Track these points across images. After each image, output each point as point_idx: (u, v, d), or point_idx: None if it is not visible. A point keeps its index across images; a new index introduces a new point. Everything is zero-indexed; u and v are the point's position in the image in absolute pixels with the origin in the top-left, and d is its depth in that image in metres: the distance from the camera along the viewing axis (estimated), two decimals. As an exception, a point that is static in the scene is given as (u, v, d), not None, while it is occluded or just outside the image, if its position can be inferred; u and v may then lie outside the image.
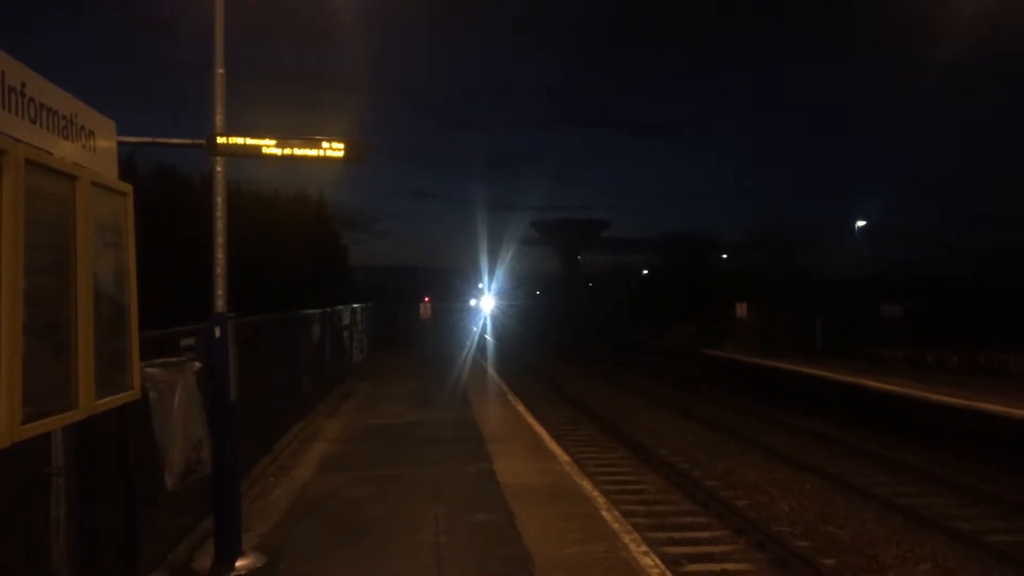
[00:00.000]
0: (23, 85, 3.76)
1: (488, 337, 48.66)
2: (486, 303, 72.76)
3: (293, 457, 11.19)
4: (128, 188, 5.01)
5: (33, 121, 3.90)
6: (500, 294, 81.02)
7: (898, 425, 17.22)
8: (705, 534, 10.15)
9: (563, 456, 11.25)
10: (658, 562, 6.77)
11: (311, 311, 15.85)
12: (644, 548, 7.11)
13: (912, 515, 10.72)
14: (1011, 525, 10.50)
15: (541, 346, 49.70)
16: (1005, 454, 13.95)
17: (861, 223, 44.86)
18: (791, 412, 20.39)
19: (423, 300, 46.50)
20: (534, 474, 10.07)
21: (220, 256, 7.26)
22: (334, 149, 6.87)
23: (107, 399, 4.56)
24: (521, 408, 16.07)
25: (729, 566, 8.95)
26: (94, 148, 4.74)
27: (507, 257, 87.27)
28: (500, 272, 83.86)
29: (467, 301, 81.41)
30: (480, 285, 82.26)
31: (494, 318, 68.51)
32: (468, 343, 37.34)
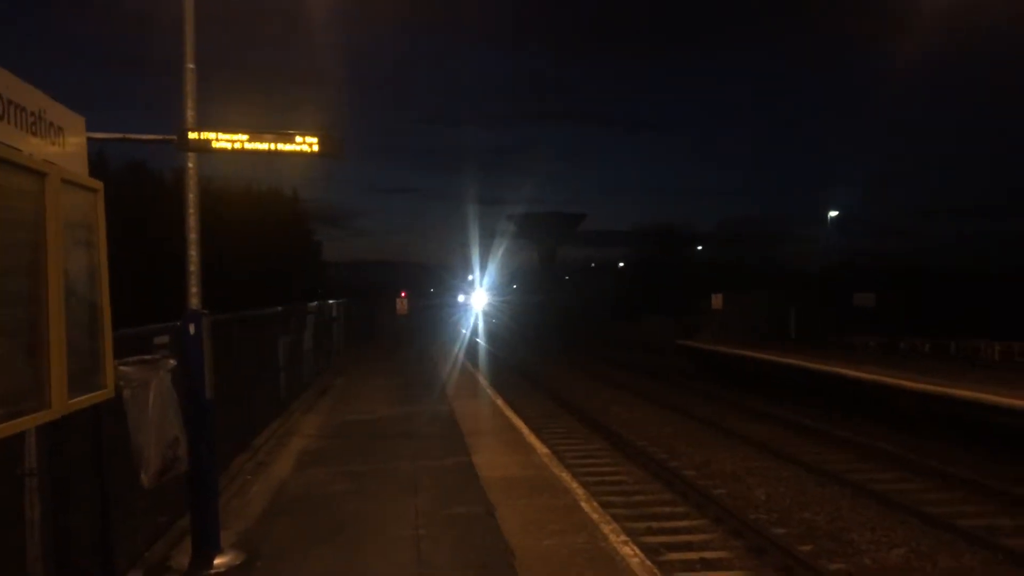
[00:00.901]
0: (-10, 81, 3.70)
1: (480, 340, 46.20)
2: (477, 299, 70.99)
3: (271, 454, 11.13)
4: (99, 185, 4.95)
5: (0, 117, 3.84)
6: (492, 289, 79.21)
7: (871, 412, 17.44)
8: (683, 523, 10.23)
9: (542, 448, 11.27)
10: (637, 551, 6.81)
11: (285, 308, 15.74)
12: (624, 538, 7.14)
13: (886, 501, 10.87)
14: (984, 509, 10.68)
15: (515, 340, 49.35)
16: (978, 439, 14.18)
17: (833, 213, 45.27)
18: (766, 401, 20.60)
19: (400, 295, 46.42)
20: (513, 467, 10.09)
21: (193, 253, 7.19)
22: (308, 143, 6.83)
23: (80, 398, 4.52)
24: (500, 402, 16.09)
25: (707, 554, 9.03)
26: (63, 144, 4.68)
27: (498, 252, 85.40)
28: (491, 267, 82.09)
29: (455, 296, 79.22)
30: (470, 278, 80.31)
31: (485, 315, 66.39)
32: (456, 344, 34.94)
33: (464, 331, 48.54)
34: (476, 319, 59.96)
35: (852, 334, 28.45)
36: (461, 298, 77.39)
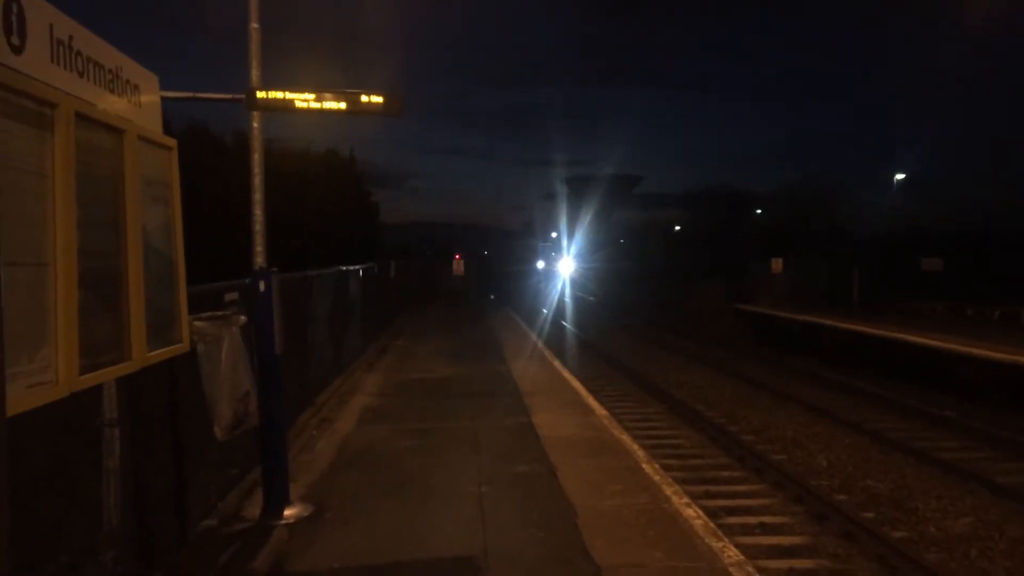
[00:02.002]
0: (70, 38, 3.75)
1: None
2: (564, 265, 64.28)
3: (334, 410, 11.33)
4: (172, 142, 5.03)
5: (80, 75, 3.89)
6: (579, 255, 71.32)
7: (937, 379, 17.04)
8: (743, 487, 10.17)
9: (600, 410, 11.28)
10: (700, 513, 6.79)
11: (345, 268, 15.92)
12: (686, 500, 7.13)
13: (953, 469, 10.65)
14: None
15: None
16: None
17: (900, 176, 43.99)
18: (825, 367, 20.26)
19: (455, 257, 46.61)
20: (572, 427, 10.12)
21: (259, 213, 7.27)
22: (372, 102, 6.83)
23: (158, 351, 4.63)
24: (557, 364, 16.11)
25: (767, 519, 8.97)
26: (139, 102, 4.74)
27: (587, 217, 77.91)
28: (577, 233, 74.30)
29: (534, 262, 70.78)
30: (543, 243, 74.01)
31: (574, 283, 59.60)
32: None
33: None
34: (563, 288, 53.72)
35: (918, 300, 27.73)
36: (541, 264, 70.07)
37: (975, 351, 16.30)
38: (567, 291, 52.42)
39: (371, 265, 20.90)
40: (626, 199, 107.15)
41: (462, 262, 45.17)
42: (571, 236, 73.10)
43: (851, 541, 8.23)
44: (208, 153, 26.11)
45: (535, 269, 67.25)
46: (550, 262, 69.22)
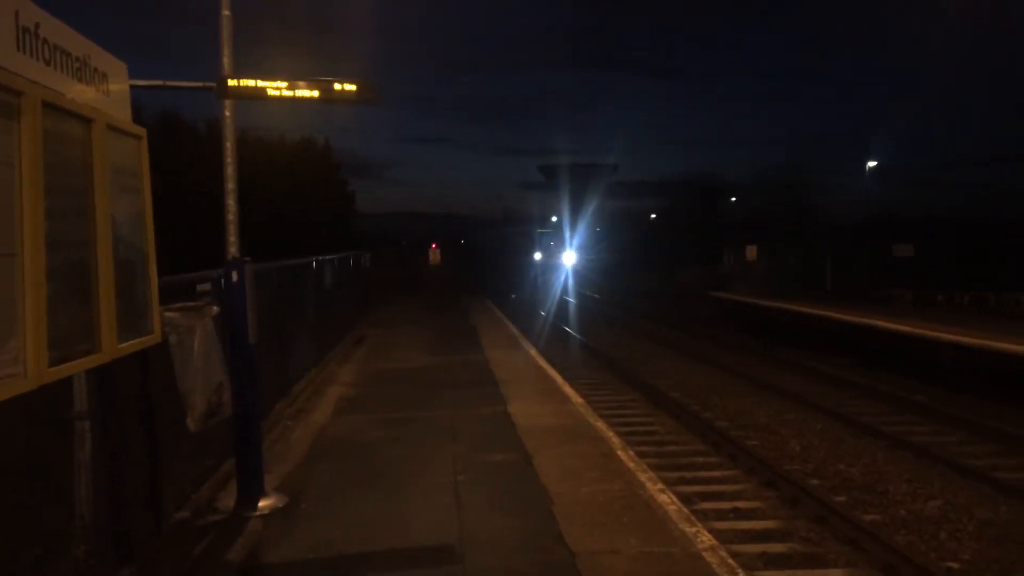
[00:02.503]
0: (37, 26, 3.70)
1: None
2: (567, 258, 56.37)
3: (310, 401, 11.31)
4: (142, 131, 4.98)
5: (47, 63, 3.84)
6: (582, 248, 62.18)
7: (907, 365, 17.26)
8: (717, 473, 10.26)
9: (576, 398, 11.33)
10: (674, 499, 6.86)
11: (320, 258, 15.84)
12: (660, 486, 7.19)
13: (923, 453, 10.81)
14: (1020, 462, 10.58)
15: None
16: (1018, 393, 14.00)
17: (872, 163, 44.31)
18: (799, 353, 20.46)
19: (431, 247, 46.53)
20: (549, 416, 10.16)
21: (231, 202, 7.22)
22: (346, 90, 6.79)
23: (129, 343, 4.59)
24: (533, 352, 16.15)
25: (741, 504, 9.07)
26: (107, 91, 4.69)
27: (590, 207, 67.44)
28: (580, 223, 64.72)
29: (530, 253, 63.97)
30: (540, 231, 67.23)
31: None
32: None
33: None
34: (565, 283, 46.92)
35: (889, 286, 28.03)
36: (538, 255, 62.24)
37: (944, 336, 16.53)
38: (570, 286, 45.53)
39: (346, 255, 20.81)
40: (600, 187, 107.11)
41: (438, 251, 45.13)
42: (573, 224, 63.44)
43: (823, 525, 8.34)
44: (183, 141, 25.85)
45: (531, 261, 60.23)
46: (550, 253, 61.11)
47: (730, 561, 5.55)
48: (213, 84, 6.94)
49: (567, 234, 60.98)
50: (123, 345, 4.48)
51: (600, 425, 9.68)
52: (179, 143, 25.82)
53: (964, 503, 8.95)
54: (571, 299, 39.21)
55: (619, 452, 8.38)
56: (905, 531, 8.23)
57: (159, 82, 7.34)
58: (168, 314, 5.70)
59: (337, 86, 6.81)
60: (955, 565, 7.38)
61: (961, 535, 8.10)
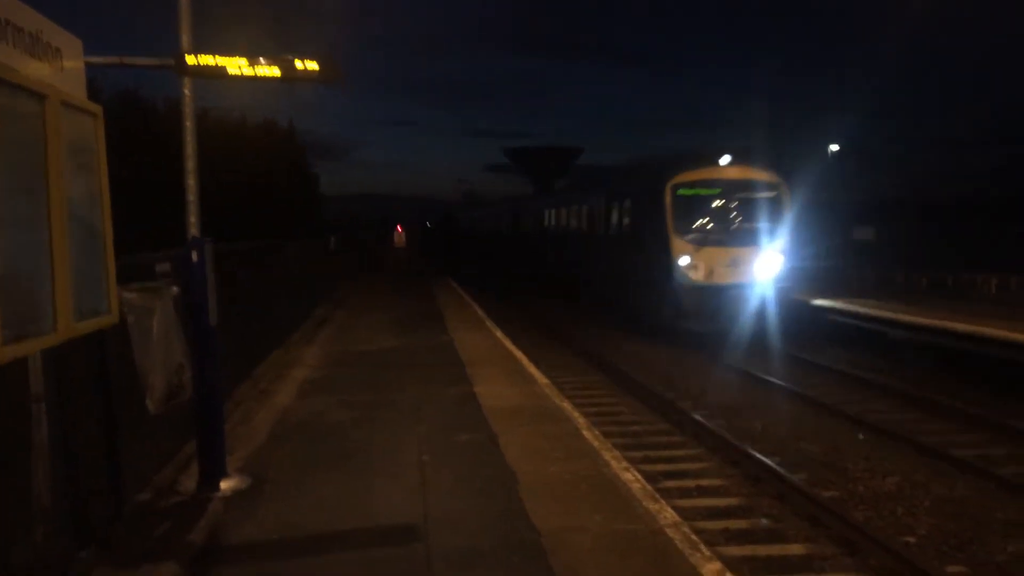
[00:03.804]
0: (-14, -2, 3.60)
1: None
2: (768, 263, 22.60)
3: (273, 383, 11.22)
4: (98, 109, 4.88)
5: (-1, 37, 3.75)
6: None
7: (867, 344, 17.54)
8: (680, 452, 10.37)
9: (542, 379, 11.36)
10: (638, 477, 6.92)
11: (283, 240, 15.70)
12: (624, 465, 7.25)
13: (881, 431, 11.00)
14: (978, 439, 10.82)
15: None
16: (973, 371, 14.29)
17: (834, 147, 44.82)
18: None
19: (396, 229, 46.28)
20: (514, 396, 10.18)
21: (192, 182, 7.12)
22: (308, 68, 6.71)
23: (85, 323, 4.52)
24: (499, 334, 16.16)
25: (704, 482, 9.17)
26: (62, 67, 4.58)
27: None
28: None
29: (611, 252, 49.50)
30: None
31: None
32: None
33: None
34: None
35: (850, 268, 28.45)
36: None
37: (902, 317, 16.83)
38: None
39: (310, 237, 20.65)
40: (564, 171, 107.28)
41: (404, 234, 44.91)
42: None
43: (784, 502, 8.47)
44: (144, 121, 25.36)
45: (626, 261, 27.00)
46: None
47: (693, 537, 5.62)
48: (171, 61, 6.81)
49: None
50: (79, 325, 4.40)
51: (566, 405, 9.73)
52: (139, 122, 25.34)
53: (921, 480, 9.12)
54: None
55: (584, 432, 8.43)
56: (864, 507, 8.37)
57: (116, 59, 7.19)
58: (126, 294, 5.61)
59: (299, 64, 6.74)
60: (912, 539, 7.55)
61: (918, 511, 8.25)
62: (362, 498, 6.46)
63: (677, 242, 18.65)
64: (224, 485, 6.61)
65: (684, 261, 18.50)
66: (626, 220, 21.92)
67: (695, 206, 19.23)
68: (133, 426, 6.14)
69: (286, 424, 8.95)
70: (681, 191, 19.10)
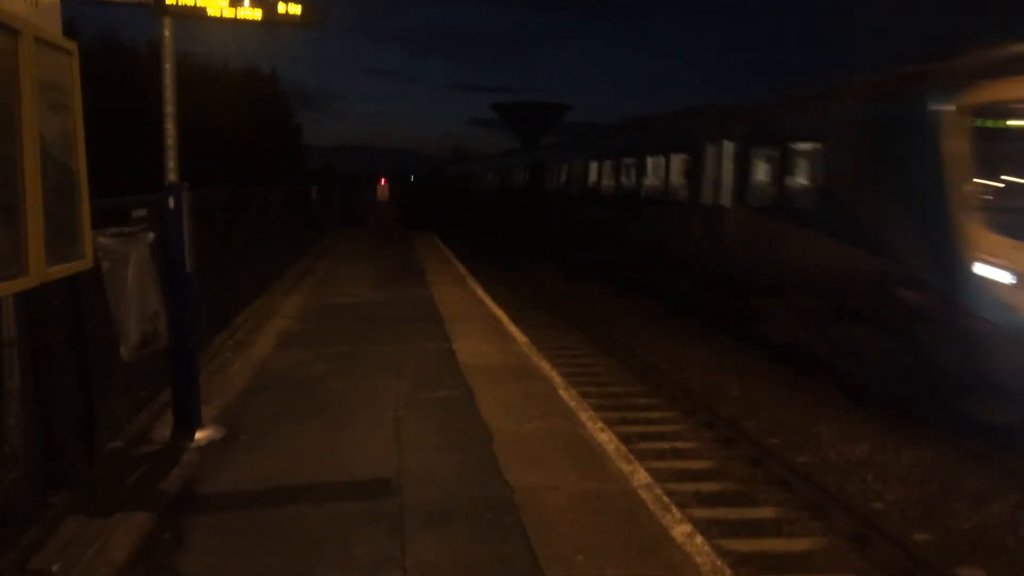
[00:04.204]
0: (-46, -75, 3.46)
1: None
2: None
3: (252, 333, 11.15)
4: (73, 46, 4.74)
5: (-33, -33, 3.60)
6: None
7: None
8: (656, 414, 10.44)
9: (521, 337, 11.37)
10: (614, 438, 6.96)
11: (265, 187, 15.53)
12: (600, 426, 7.28)
13: (853, 396, 11.08)
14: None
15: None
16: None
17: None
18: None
19: (380, 182, 45.89)
20: (493, 354, 10.18)
21: (170, 127, 6.99)
22: (290, 12, 6.56)
23: (58, 267, 4.44)
24: (480, 291, 16.12)
25: (679, 444, 9.26)
26: (36, 2, 4.44)
27: None
28: None
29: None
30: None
31: None
32: None
33: None
34: None
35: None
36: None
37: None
38: None
39: (293, 186, 20.44)
40: (553, 127, 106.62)
41: (387, 187, 44.56)
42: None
43: (757, 466, 8.56)
44: (122, 63, 24.89)
45: None
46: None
47: (664, 499, 5.67)
48: (149, 1, 6.63)
49: None
50: (52, 269, 4.33)
51: (544, 365, 9.75)
52: (117, 64, 24.87)
53: (892, 446, 9.22)
54: None
55: (561, 392, 8.45)
56: (835, 472, 8.47)
57: (93, -5, 6.99)
58: (101, 239, 5.53)
59: (281, 8, 6.58)
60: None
61: (888, 476, 8.36)
62: (338, 451, 6.46)
63: (978, 231, 8.89)
64: (199, 435, 6.58)
65: (998, 271, 8.72)
66: (803, 179, 12.54)
67: (1014, 155, 9.47)
68: (107, 373, 6.08)
69: (263, 375, 8.92)
70: (986, 120, 9.20)
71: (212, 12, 6.57)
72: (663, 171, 18.23)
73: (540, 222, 30.61)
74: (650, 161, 19.32)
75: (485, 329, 11.90)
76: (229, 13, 6.54)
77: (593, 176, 23.93)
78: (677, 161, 17.65)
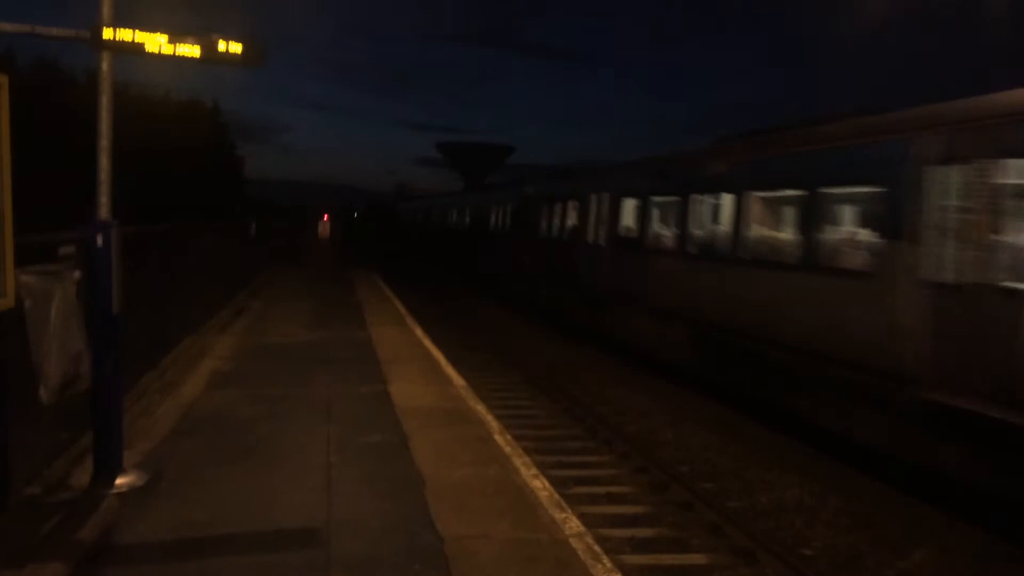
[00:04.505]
0: None
1: None
2: None
3: (181, 373, 10.88)
4: (3, 79, 4.64)
5: None
6: None
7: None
8: (593, 458, 10.45)
9: (458, 380, 11.31)
10: (547, 484, 6.93)
11: (200, 223, 15.29)
12: (534, 471, 7.26)
13: (787, 442, 11.26)
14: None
15: None
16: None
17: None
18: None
19: (323, 218, 45.38)
20: (429, 397, 10.11)
21: (104, 161, 6.88)
22: (230, 51, 6.53)
23: (-24, 306, 4.29)
24: (419, 332, 16.04)
25: (613, 489, 9.27)
26: (-40, 34, 4.34)
27: None
28: None
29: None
30: None
31: None
32: None
33: None
34: None
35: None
36: None
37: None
38: None
39: (231, 222, 20.17)
40: (497, 167, 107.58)
41: (329, 224, 44.06)
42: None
43: (690, 511, 8.61)
44: (61, 93, 24.40)
45: None
46: None
47: (596, 547, 5.65)
48: (87, 34, 6.54)
49: None
50: (-31, 309, 4.18)
51: (480, 408, 9.70)
52: (57, 94, 24.38)
53: (819, 491, 9.37)
54: None
55: (496, 436, 8.42)
56: (765, 518, 8.56)
57: (27, 27, 6.88)
58: (24, 277, 5.35)
59: (222, 45, 6.55)
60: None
61: (816, 521, 8.48)
62: (265, 499, 6.30)
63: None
64: (120, 481, 6.36)
65: None
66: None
67: None
68: (24, 415, 5.85)
69: (191, 418, 8.69)
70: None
71: (151, 48, 6.51)
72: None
73: (476, 259, 32.80)
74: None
75: (422, 371, 11.82)
76: (168, 50, 6.50)
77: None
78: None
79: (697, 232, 14.37)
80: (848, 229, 11.10)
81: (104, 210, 6.83)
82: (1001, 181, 7.97)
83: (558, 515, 6.19)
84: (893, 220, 9.37)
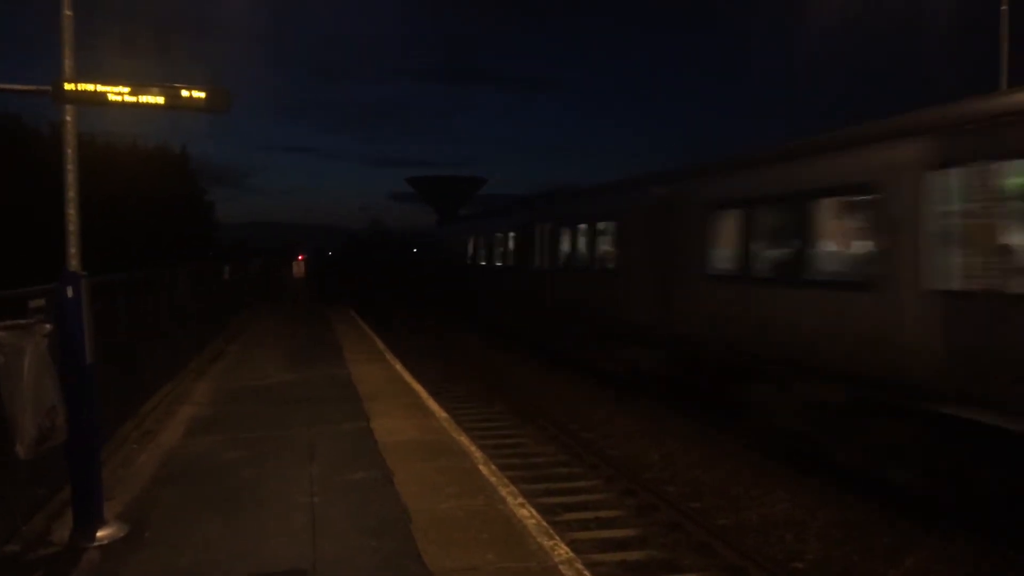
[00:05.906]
0: None
1: None
2: None
3: (159, 421, 10.76)
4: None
5: None
6: None
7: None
8: (580, 484, 10.43)
9: (440, 413, 11.27)
10: (534, 513, 6.91)
11: (173, 270, 15.19)
12: (521, 500, 7.23)
13: (772, 457, 11.31)
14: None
15: None
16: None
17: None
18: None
19: (297, 258, 45.28)
20: (411, 431, 10.06)
21: (72, 212, 6.86)
22: (195, 97, 6.54)
23: (-54, 365, 4.24)
24: (399, 367, 15.97)
25: (602, 513, 9.25)
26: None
27: None
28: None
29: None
30: None
31: None
32: None
33: None
34: None
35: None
36: None
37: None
38: None
39: (204, 266, 20.06)
40: (469, 199, 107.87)
41: (303, 263, 43.96)
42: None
43: (679, 531, 8.60)
44: (26, 145, 24.20)
45: None
46: None
47: (585, 573, 5.63)
48: (49, 88, 6.54)
49: None
50: (-62, 368, 4.13)
51: (463, 440, 9.67)
52: (21, 146, 24.19)
53: (809, 504, 9.40)
54: None
55: (481, 467, 8.38)
56: (755, 534, 8.57)
57: (-12, 83, 6.87)
58: (-6, 333, 5.30)
59: (185, 93, 6.57)
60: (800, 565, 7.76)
61: (806, 535, 8.50)
62: (250, 544, 6.22)
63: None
64: (101, 533, 6.25)
65: None
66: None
67: None
68: (1, 471, 5.77)
69: (171, 466, 8.58)
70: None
71: (113, 98, 6.52)
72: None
73: (449, 290, 35.24)
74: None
75: (404, 405, 11.77)
76: (131, 99, 6.49)
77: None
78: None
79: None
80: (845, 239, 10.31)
81: (74, 260, 6.79)
82: (1001, 182, 7.61)
83: (546, 542, 6.17)
84: (891, 228, 8.92)
